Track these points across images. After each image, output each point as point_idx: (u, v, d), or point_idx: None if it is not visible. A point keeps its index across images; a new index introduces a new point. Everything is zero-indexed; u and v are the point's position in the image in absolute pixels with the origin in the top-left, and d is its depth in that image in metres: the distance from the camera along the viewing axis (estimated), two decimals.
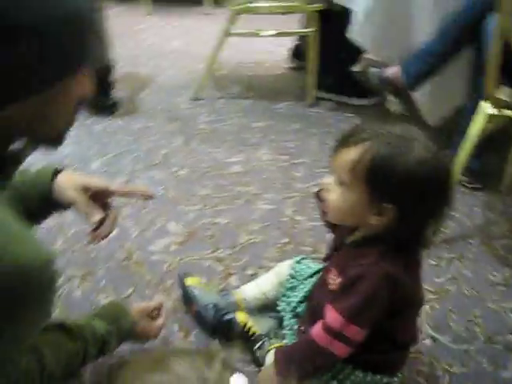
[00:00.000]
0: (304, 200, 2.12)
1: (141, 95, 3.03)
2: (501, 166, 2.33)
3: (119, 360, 1.31)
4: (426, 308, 1.62)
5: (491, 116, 1.86)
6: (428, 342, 1.53)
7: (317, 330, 1.17)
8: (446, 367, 1.45)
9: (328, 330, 1.15)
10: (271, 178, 2.27)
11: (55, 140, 0.95)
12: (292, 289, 1.43)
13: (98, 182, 1.23)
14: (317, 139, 2.61)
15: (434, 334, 1.55)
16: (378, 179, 1.07)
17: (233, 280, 1.68)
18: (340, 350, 1.15)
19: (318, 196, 1.24)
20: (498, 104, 1.82)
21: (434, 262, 1.84)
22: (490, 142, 2.21)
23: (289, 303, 1.40)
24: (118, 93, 2.86)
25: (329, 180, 1.16)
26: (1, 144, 0.87)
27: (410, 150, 1.06)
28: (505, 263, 1.87)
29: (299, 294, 1.39)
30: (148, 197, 1.32)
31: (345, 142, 1.12)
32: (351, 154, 1.09)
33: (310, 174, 2.30)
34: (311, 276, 1.40)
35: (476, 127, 1.89)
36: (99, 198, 1.22)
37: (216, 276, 1.70)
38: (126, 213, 1.98)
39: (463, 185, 2.26)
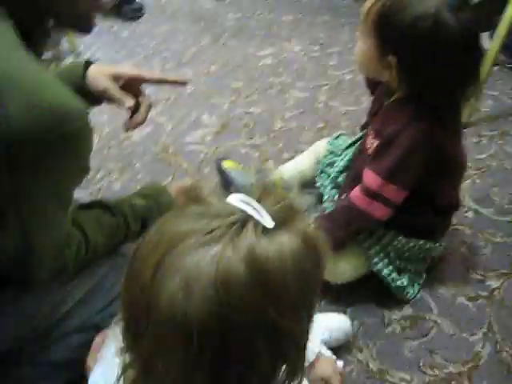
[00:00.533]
0: (338, 87, 2.08)
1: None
2: None
3: None
4: (467, 182, 1.60)
5: None
6: (471, 214, 1.51)
7: (356, 192, 1.16)
8: (489, 237, 1.44)
9: (367, 191, 1.14)
10: (303, 68, 2.22)
11: (82, 22, 0.93)
12: (330, 164, 1.42)
13: (129, 70, 1.20)
14: (347, 29, 2.52)
15: (476, 206, 1.53)
16: (383, 28, 1.06)
17: (270, 164, 1.67)
18: (379, 211, 1.14)
19: None
20: None
21: (475, 140, 1.80)
22: None
23: (328, 175, 1.39)
24: None
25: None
26: (29, 20, 0.85)
27: (419, 3, 1.02)
28: None
29: (339, 164, 1.37)
30: (182, 83, 1.29)
31: None
32: (368, 2, 1.09)
33: (343, 61, 2.24)
34: (350, 146, 1.38)
35: None
36: (132, 86, 1.20)
37: (253, 162, 1.69)
38: (159, 109, 1.96)
39: (502, 64, 2.18)
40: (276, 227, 0.54)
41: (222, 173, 1.54)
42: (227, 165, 1.54)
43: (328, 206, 1.36)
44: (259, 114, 1.93)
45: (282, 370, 0.57)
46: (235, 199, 0.56)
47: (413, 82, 1.09)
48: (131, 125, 1.20)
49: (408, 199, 1.15)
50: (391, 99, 1.19)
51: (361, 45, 1.14)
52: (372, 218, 1.15)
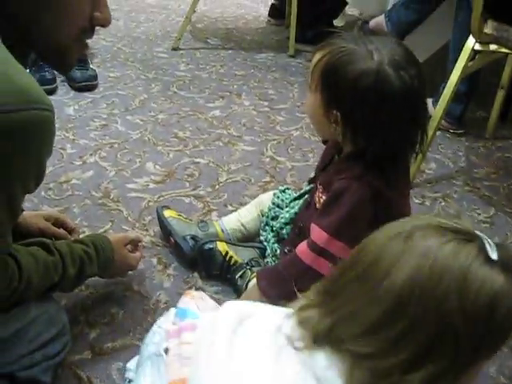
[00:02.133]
0: (286, 142, 2.08)
1: (117, 45, 2.94)
2: (485, 113, 2.32)
3: None
4: None
5: (476, 52, 1.82)
6: None
7: (302, 247, 1.14)
8: None
9: (313, 247, 1.12)
10: (252, 122, 2.22)
11: (60, 57, 0.92)
12: (275, 218, 1.39)
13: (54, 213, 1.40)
14: (297, 87, 2.56)
15: None
16: (328, 84, 1.07)
17: (213, 216, 1.63)
18: (325, 267, 1.11)
19: None
20: (484, 39, 1.77)
21: (418, 201, 1.81)
22: (475, 87, 2.20)
23: (272, 228, 1.36)
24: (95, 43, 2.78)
25: None
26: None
27: (363, 60, 1.03)
28: (489, 203, 1.85)
29: (284, 215, 1.34)
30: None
31: (317, 47, 1.11)
32: (315, 58, 1.10)
33: (291, 118, 2.26)
34: (296, 199, 1.36)
35: (459, 66, 1.84)
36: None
37: (196, 212, 1.65)
38: (103, 154, 1.92)
39: (445, 129, 2.25)
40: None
41: (162, 221, 1.49)
42: (169, 214, 1.49)
43: (270, 261, 1.33)
44: (205, 164, 1.91)
45: None
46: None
47: (356, 138, 1.09)
48: None
49: None
50: (341, 155, 1.18)
51: (309, 100, 1.15)
52: (317, 274, 1.11)
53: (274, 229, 1.35)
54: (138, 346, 1.21)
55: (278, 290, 1.12)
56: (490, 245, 0.65)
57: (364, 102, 1.04)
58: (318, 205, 1.17)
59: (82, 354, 1.18)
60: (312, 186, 1.29)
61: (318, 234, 1.11)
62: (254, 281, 1.25)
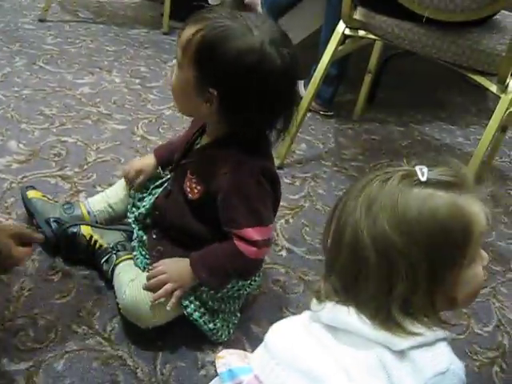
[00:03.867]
0: (157, 121, 2.04)
1: None
2: (353, 96, 2.41)
3: None
4: (281, 222, 1.63)
5: (346, 37, 1.87)
6: (284, 253, 1.53)
7: (247, 249, 1.12)
8: (301, 275, 1.47)
9: (255, 244, 1.12)
10: (123, 100, 2.16)
11: None
12: (141, 200, 1.35)
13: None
14: (171, 66, 2.50)
15: (289, 245, 1.56)
16: (205, 61, 1.03)
17: (81, 197, 1.57)
18: (267, 252, 1.19)
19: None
20: (353, 24, 1.82)
21: (288, 181, 1.85)
22: (344, 71, 2.27)
23: (139, 214, 1.32)
24: None
25: (174, 62, 1.11)
26: None
27: (243, 36, 1.01)
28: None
29: (148, 203, 1.31)
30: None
31: (189, 20, 1.06)
32: (187, 32, 1.04)
33: (164, 97, 2.22)
34: (157, 187, 1.32)
35: (330, 49, 1.88)
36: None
37: (63, 194, 1.58)
38: None
39: (316, 111, 2.30)
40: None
41: (26, 203, 1.41)
42: (33, 195, 1.42)
43: (137, 245, 1.29)
44: (73, 143, 1.82)
45: None
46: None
47: (234, 118, 1.07)
48: None
49: (218, 238, 1.14)
50: (204, 140, 1.17)
51: (178, 76, 1.09)
52: (261, 261, 1.21)
53: (135, 216, 1.32)
54: None
55: (220, 281, 1.17)
56: (421, 170, 0.74)
57: (247, 81, 1.01)
58: (192, 195, 1.14)
59: None
60: (172, 174, 1.27)
61: (251, 232, 1.11)
62: (120, 269, 1.25)
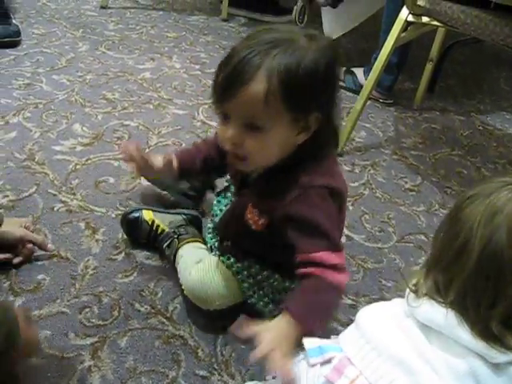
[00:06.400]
0: None
1: (42, 0, 2.79)
2: (414, 85, 2.37)
3: None
4: None
5: (409, 24, 1.84)
6: (343, 239, 1.52)
7: (334, 277, 1.00)
8: (360, 263, 1.46)
9: (336, 268, 1.00)
10: (183, 85, 2.18)
11: None
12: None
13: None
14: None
15: (348, 232, 1.55)
16: (298, 95, 0.94)
17: (143, 180, 1.59)
18: (348, 278, 1.05)
19: (220, 151, 1.10)
20: (417, 11, 1.78)
21: (348, 168, 1.84)
22: (405, 59, 2.23)
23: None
24: None
25: (232, 131, 0.98)
26: None
27: (304, 55, 0.94)
28: (415, 171, 1.89)
29: (215, 218, 1.33)
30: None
31: (237, 81, 0.94)
32: (255, 87, 0.92)
33: None
34: (220, 194, 1.35)
35: (393, 36, 1.85)
36: None
37: (125, 176, 1.61)
38: (27, 114, 1.83)
39: (376, 99, 2.28)
40: None
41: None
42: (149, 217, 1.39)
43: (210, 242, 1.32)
44: (135, 127, 1.85)
45: None
46: None
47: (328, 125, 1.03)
48: None
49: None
50: (258, 171, 1.10)
51: (262, 139, 0.97)
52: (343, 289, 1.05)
53: (210, 226, 1.34)
54: (65, 313, 1.18)
55: (319, 321, 0.99)
56: None
57: (332, 89, 1.00)
58: (255, 227, 1.09)
59: None
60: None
61: (329, 256, 1.00)
62: (183, 251, 1.26)
